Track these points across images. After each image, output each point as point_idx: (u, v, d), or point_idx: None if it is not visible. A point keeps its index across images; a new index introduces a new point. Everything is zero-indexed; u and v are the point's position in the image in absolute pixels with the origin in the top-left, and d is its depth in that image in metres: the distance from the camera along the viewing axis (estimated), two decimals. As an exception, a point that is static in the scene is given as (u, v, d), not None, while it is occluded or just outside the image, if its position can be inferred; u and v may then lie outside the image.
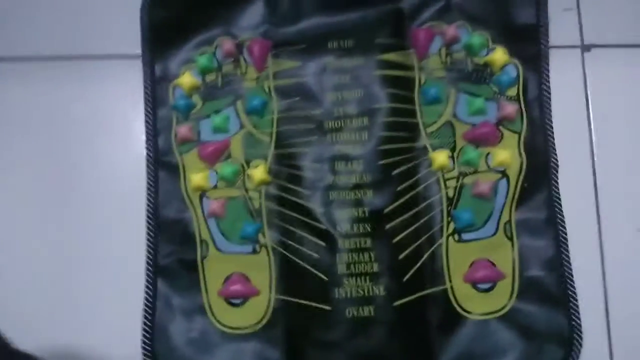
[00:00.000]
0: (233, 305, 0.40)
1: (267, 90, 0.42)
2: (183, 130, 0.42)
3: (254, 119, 0.42)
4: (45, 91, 0.43)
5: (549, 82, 0.43)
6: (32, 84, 0.43)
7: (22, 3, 0.44)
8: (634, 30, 0.44)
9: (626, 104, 0.43)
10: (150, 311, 0.40)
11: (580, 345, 0.39)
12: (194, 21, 0.43)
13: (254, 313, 0.40)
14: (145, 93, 0.43)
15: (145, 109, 0.43)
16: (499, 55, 0.42)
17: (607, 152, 0.42)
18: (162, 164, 0.42)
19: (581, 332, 0.39)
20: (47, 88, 0.43)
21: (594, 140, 0.43)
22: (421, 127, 0.42)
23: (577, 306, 0.39)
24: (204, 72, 0.43)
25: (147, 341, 0.39)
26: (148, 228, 0.41)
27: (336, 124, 0.42)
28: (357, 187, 0.41)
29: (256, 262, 0.40)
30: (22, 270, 0.41)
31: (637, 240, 0.41)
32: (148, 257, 0.40)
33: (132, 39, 0.43)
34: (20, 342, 0.37)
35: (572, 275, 0.40)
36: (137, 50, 0.43)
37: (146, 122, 0.42)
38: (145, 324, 0.39)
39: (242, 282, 0.40)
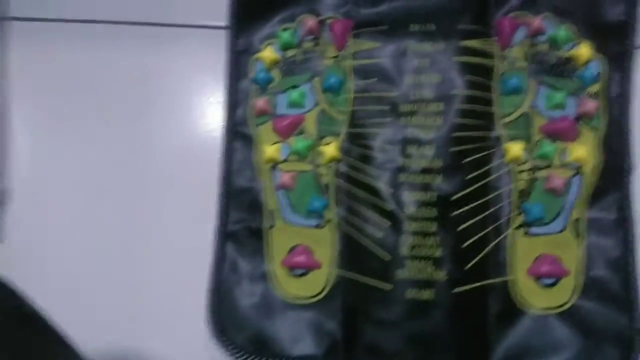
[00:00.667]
0: (295, 275, 0.42)
1: (345, 69, 0.43)
2: (260, 102, 0.43)
3: (330, 97, 0.43)
4: (125, 56, 0.46)
5: (632, 82, 0.42)
6: (113, 49, 0.46)
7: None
8: None
9: None
10: (217, 272, 0.42)
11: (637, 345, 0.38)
12: (272, 4, 0.45)
13: (314, 285, 0.41)
14: (228, 64, 0.44)
15: (226, 80, 0.44)
16: (584, 50, 0.41)
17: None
18: (237, 134, 0.43)
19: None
20: (128, 54, 0.46)
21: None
22: (497, 116, 0.42)
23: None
24: (285, 47, 0.44)
25: (213, 299, 0.41)
26: (220, 194, 0.43)
27: (411, 108, 0.42)
28: (426, 171, 0.41)
29: (320, 236, 0.42)
30: (97, 230, 0.44)
31: None
32: (219, 222, 0.42)
33: (217, 11, 0.45)
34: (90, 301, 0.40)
35: (637, 277, 0.40)
36: (221, 22, 0.45)
37: (226, 92, 0.44)
38: (212, 283, 0.41)
39: (305, 254, 0.42)
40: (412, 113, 0.42)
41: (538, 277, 0.40)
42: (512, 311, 0.39)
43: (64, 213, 0.44)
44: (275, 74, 0.44)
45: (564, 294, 0.39)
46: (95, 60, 0.45)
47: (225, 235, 0.42)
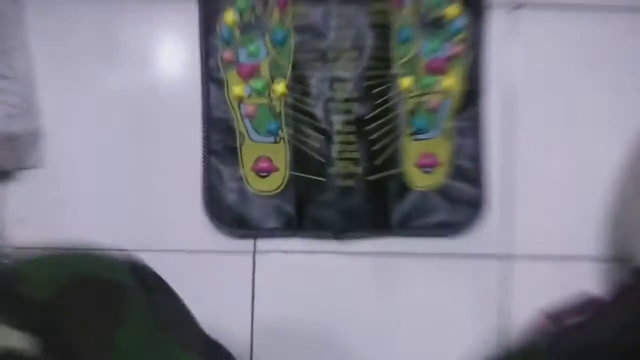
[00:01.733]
0: (261, 177, 0.60)
1: (287, 27, 0.60)
2: (227, 54, 0.59)
3: (278, 49, 0.60)
4: (129, 22, 0.60)
5: (486, 31, 0.61)
6: (118, 17, 0.60)
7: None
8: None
9: (542, 64, 0.61)
10: (207, 177, 0.60)
11: (481, 210, 0.60)
12: None
13: (274, 182, 0.60)
14: (200, 25, 0.60)
15: (199, 38, 0.60)
16: (453, 9, 0.59)
17: (528, 79, 0.61)
18: (212, 79, 0.60)
19: (484, 203, 0.60)
20: (130, 20, 0.60)
21: (515, 84, 0.61)
22: (395, 59, 0.60)
23: (486, 184, 0.61)
24: (241, 12, 0.59)
25: (205, 197, 0.60)
26: (203, 123, 0.60)
27: (335, 55, 0.59)
28: (347, 100, 0.59)
29: (277, 149, 0.60)
30: (114, 154, 0.60)
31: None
32: (203, 143, 0.60)
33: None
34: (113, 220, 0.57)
35: (484, 165, 0.61)
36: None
37: (200, 47, 0.60)
38: (204, 185, 0.60)
39: (267, 162, 0.60)
40: (336, 59, 0.60)
41: (421, 167, 0.60)
42: (404, 190, 0.60)
43: (88, 141, 0.60)
44: (236, 32, 0.60)
45: (439, 177, 0.60)
46: (104, 22, 0.59)
47: (210, 152, 0.60)
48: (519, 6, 0.61)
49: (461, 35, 0.60)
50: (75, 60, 0.60)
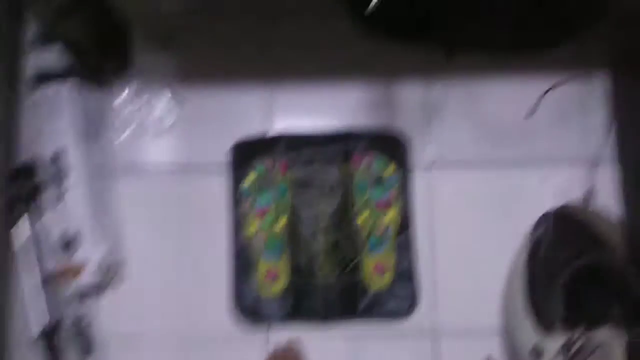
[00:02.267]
0: (270, 283, 0.90)
1: (287, 183, 0.93)
2: (248, 203, 0.92)
3: (281, 197, 0.92)
4: (171, 192, 0.93)
5: (412, 184, 0.95)
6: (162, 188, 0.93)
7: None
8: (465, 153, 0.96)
9: (450, 199, 0.95)
10: (235, 284, 0.90)
11: (417, 301, 0.91)
12: (252, 155, 0.93)
13: (279, 286, 0.90)
14: (231, 184, 0.93)
15: (231, 192, 0.92)
16: (390, 170, 0.94)
17: (440, 211, 0.94)
18: (238, 219, 0.92)
19: (418, 295, 0.91)
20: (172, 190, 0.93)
21: (432, 216, 0.94)
22: (356, 202, 0.93)
23: (418, 284, 0.91)
24: (258, 174, 0.93)
25: (233, 299, 0.89)
26: (231, 249, 0.91)
27: (317, 200, 0.92)
28: (327, 228, 0.91)
29: (281, 264, 0.90)
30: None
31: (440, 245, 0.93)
32: (232, 262, 0.90)
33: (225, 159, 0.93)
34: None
35: (417, 269, 0.92)
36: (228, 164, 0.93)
37: (231, 198, 0.92)
38: (232, 290, 0.90)
39: (274, 272, 0.90)
40: (318, 202, 0.93)
41: (376, 272, 0.91)
42: (366, 288, 0.90)
43: (151, 268, 0.90)
44: (254, 188, 0.93)
45: (388, 279, 0.91)
46: (169, 192, 0.92)
47: (236, 268, 0.91)
48: (432, 165, 0.95)
49: (396, 186, 0.94)
50: (145, 212, 0.92)
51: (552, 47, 0.95)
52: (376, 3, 0.60)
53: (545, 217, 0.84)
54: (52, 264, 0.84)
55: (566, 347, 0.69)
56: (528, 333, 0.74)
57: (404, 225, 0.93)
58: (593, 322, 0.68)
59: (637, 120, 0.90)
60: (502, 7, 0.89)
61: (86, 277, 0.83)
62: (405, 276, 0.91)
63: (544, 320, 0.74)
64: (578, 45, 0.95)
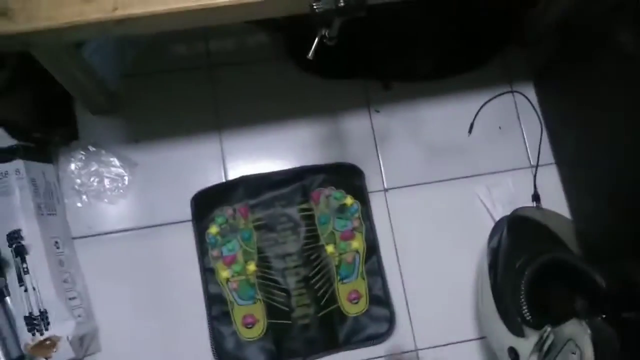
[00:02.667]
0: (248, 328, 0.91)
1: (250, 228, 0.94)
2: (214, 252, 0.92)
3: (246, 242, 0.94)
4: (136, 254, 0.92)
5: (372, 211, 0.98)
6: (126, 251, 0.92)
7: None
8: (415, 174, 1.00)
9: (407, 219, 0.99)
10: (213, 333, 0.89)
11: (394, 322, 0.93)
12: (211, 205, 0.94)
13: (258, 330, 0.91)
14: (195, 238, 0.93)
15: (196, 244, 0.93)
16: (349, 200, 0.97)
17: (401, 239, 0.98)
18: (207, 270, 0.92)
19: (394, 317, 0.94)
20: (137, 252, 0.92)
21: (395, 238, 0.98)
22: (320, 235, 0.95)
23: (393, 305, 0.94)
24: (219, 224, 0.94)
25: (213, 348, 0.89)
26: (205, 299, 0.91)
27: (283, 239, 0.94)
28: (295, 267, 0.93)
29: (256, 308, 0.91)
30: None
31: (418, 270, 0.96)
32: (207, 313, 0.90)
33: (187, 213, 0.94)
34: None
35: (389, 294, 0.95)
36: (190, 218, 0.94)
37: (197, 251, 0.93)
38: (212, 337, 0.89)
39: (251, 317, 0.91)
40: (284, 242, 0.94)
41: (351, 300, 0.93)
42: (343, 317, 0.92)
43: (126, 329, 0.89)
44: (218, 237, 0.93)
45: (363, 305, 0.93)
46: (135, 255, 0.91)
47: (212, 317, 0.90)
48: (386, 190, 0.99)
49: (357, 214, 0.97)
50: (112, 277, 0.91)
51: (474, 68, 1.03)
52: (315, 48, 0.64)
53: (499, 223, 0.90)
54: (23, 344, 0.81)
55: (538, 345, 0.73)
56: (503, 336, 0.78)
57: (371, 250, 0.96)
58: (559, 317, 0.73)
59: (566, 123, 0.98)
60: (425, 40, 0.96)
61: (61, 353, 0.81)
62: (379, 299, 0.94)
63: (513, 323, 0.78)
64: (503, 62, 1.04)
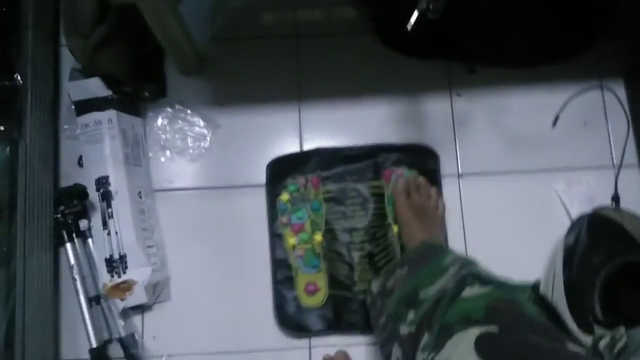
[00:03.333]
0: (310, 295, 0.93)
1: (320, 199, 0.96)
2: (284, 219, 0.95)
3: (315, 213, 0.95)
4: (211, 212, 0.95)
5: (442, 195, 0.97)
6: (202, 209, 0.96)
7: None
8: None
9: (480, 208, 0.97)
10: (277, 296, 0.92)
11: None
12: (285, 173, 0.96)
13: (319, 298, 0.92)
14: (267, 203, 0.95)
15: (267, 209, 0.95)
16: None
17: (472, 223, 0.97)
18: (276, 235, 0.94)
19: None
20: (212, 210, 0.95)
21: (465, 226, 0.97)
22: (388, 214, 0.95)
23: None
24: (291, 192, 0.96)
25: (276, 312, 0.92)
26: (271, 263, 0.93)
27: (351, 214, 0.95)
28: (361, 242, 0.94)
29: (319, 277, 0.93)
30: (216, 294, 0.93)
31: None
32: (272, 274, 0.93)
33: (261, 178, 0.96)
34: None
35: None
36: (264, 183, 0.96)
37: (267, 215, 0.95)
38: (274, 304, 0.92)
39: (313, 285, 0.93)
40: (352, 216, 0.95)
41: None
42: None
43: (198, 282, 0.93)
44: (289, 204, 0.95)
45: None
46: (209, 212, 0.95)
47: (276, 281, 0.93)
48: (461, 176, 0.98)
49: (428, 197, 0.97)
50: (187, 232, 0.95)
51: (569, 57, 0.99)
52: (416, 20, 0.63)
53: (579, 220, 0.87)
54: (101, 284, 0.87)
55: (609, 347, 0.71)
56: (574, 334, 0.76)
57: (437, 235, 0.95)
58: (634, 320, 0.70)
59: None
60: (517, 25, 0.93)
61: (135, 296, 0.86)
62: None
63: (585, 322, 0.76)
64: (595, 55, 0.99)
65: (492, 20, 0.90)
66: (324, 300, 0.92)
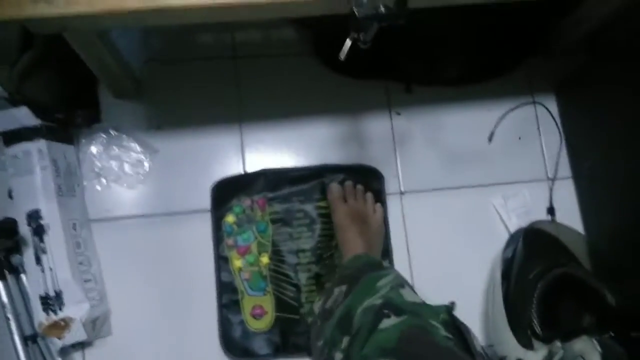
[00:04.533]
0: (256, 319, 0.92)
1: (266, 220, 0.95)
2: (230, 241, 0.93)
3: (261, 234, 0.94)
4: (152, 240, 0.93)
5: (387, 213, 0.99)
6: (142, 237, 0.93)
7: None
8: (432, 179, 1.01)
9: (422, 225, 0.99)
10: (222, 322, 0.90)
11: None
12: (230, 194, 0.95)
13: (266, 322, 0.91)
14: (212, 225, 0.93)
15: (213, 232, 0.93)
16: (365, 200, 0.97)
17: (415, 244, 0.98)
18: (221, 258, 0.93)
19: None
20: (153, 238, 0.93)
21: (408, 242, 0.98)
22: (335, 234, 0.95)
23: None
24: (237, 213, 0.94)
25: (221, 336, 0.90)
26: (217, 286, 0.91)
27: (297, 235, 0.95)
28: (308, 263, 0.94)
29: (266, 299, 0.92)
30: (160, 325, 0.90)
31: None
32: (218, 300, 0.91)
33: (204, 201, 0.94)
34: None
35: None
36: (207, 207, 0.94)
37: (212, 238, 0.93)
38: (219, 329, 0.90)
39: (260, 309, 0.91)
40: (298, 237, 0.95)
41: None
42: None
43: (137, 313, 0.90)
44: (234, 226, 0.94)
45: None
46: (151, 241, 0.92)
47: (222, 305, 0.91)
48: (403, 193, 1.00)
49: (372, 215, 0.98)
50: (127, 262, 0.91)
51: (501, 75, 1.03)
52: (347, 49, 0.64)
53: (515, 235, 0.90)
54: (37, 322, 0.83)
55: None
56: (511, 347, 0.79)
57: (384, 254, 0.96)
58: (569, 333, 0.74)
59: (587, 137, 0.98)
60: (450, 46, 0.96)
61: (73, 334, 0.82)
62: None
63: (523, 335, 0.79)
64: (527, 72, 1.04)
65: (426, 42, 0.92)
66: (271, 324, 0.92)
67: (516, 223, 0.95)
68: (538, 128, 1.03)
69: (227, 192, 0.95)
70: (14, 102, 0.86)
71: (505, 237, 0.93)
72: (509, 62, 1.03)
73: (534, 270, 0.81)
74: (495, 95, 1.02)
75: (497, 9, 0.74)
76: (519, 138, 1.02)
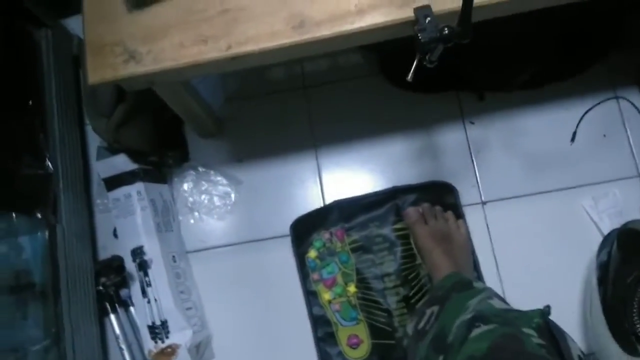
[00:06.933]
0: (353, 349, 0.92)
1: (347, 250, 0.97)
2: (315, 276, 0.95)
3: (344, 265, 0.96)
4: (243, 265, 0.98)
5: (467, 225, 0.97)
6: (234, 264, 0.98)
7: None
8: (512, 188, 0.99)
9: (508, 234, 0.97)
10: (319, 356, 0.92)
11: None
12: (309, 230, 0.97)
13: (363, 350, 0.91)
14: (296, 263, 0.96)
15: (298, 269, 0.96)
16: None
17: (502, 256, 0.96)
18: (310, 292, 0.95)
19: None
20: (244, 263, 0.98)
21: (495, 253, 0.96)
22: (416, 254, 0.95)
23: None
24: (318, 249, 0.97)
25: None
26: (310, 320, 0.94)
27: (380, 260, 0.95)
28: (395, 287, 0.94)
29: (359, 328, 0.92)
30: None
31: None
32: (313, 332, 0.93)
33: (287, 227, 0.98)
34: None
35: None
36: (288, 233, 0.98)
37: (298, 275, 0.96)
38: (320, 358, 0.92)
39: (355, 338, 0.92)
40: (381, 262, 0.95)
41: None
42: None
43: (238, 338, 0.95)
44: (317, 261, 0.96)
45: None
46: (241, 267, 0.97)
47: (318, 339, 0.93)
48: (484, 203, 0.98)
49: (455, 228, 0.97)
50: (222, 288, 0.97)
51: (577, 74, 0.99)
52: (414, 70, 0.65)
53: (609, 237, 0.86)
54: (146, 350, 0.89)
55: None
56: (616, 355, 0.75)
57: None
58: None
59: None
60: (522, 50, 0.94)
61: (180, 358, 0.88)
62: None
63: (627, 341, 0.75)
64: (605, 67, 0.99)
65: (496, 50, 0.91)
66: (369, 351, 0.92)
67: (609, 224, 0.91)
68: (623, 123, 0.98)
69: (305, 228, 0.98)
70: (112, 150, 0.95)
71: (598, 240, 0.89)
72: (586, 59, 0.99)
73: (632, 273, 0.77)
74: (572, 93, 0.99)
75: (574, 6, 0.71)
76: (604, 135, 0.98)
